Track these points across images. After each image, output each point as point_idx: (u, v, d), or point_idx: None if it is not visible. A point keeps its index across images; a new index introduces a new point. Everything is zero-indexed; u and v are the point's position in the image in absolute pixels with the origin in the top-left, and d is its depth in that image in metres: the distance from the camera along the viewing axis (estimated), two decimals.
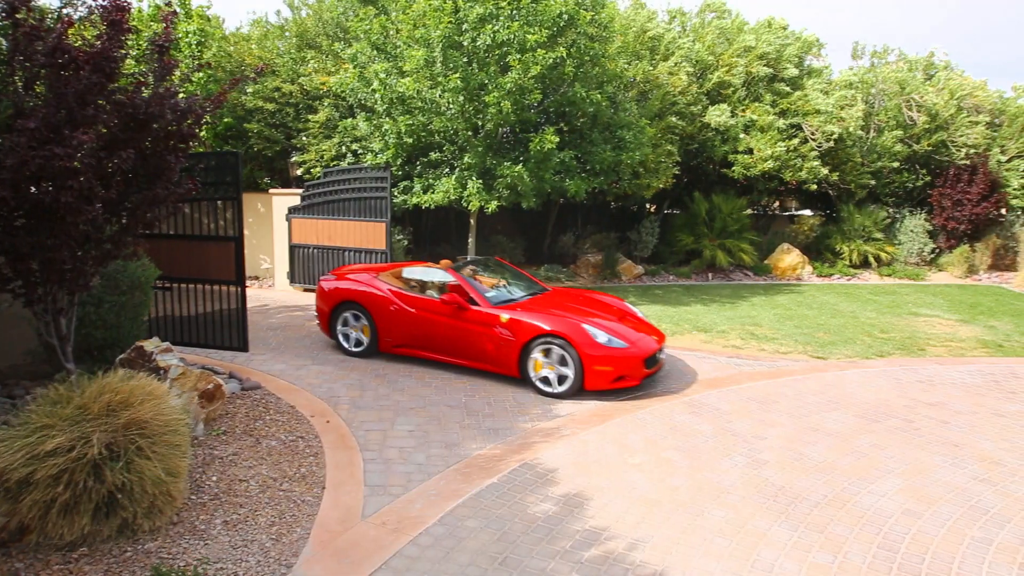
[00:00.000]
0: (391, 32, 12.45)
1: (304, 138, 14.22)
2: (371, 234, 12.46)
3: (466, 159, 12.04)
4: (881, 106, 18.02)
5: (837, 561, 4.33)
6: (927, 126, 17.96)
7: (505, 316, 7.69)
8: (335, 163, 13.72)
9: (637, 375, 7.41)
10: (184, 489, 4.74)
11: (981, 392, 7.89)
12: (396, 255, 12.79)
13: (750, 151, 15.94)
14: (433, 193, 12.23)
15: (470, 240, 14.10)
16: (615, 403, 7.21)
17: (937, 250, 18.37)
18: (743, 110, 16.20)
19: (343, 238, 12.68)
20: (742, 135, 15.97)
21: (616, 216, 18.50)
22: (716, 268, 16.73)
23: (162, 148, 5.60)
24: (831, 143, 16.13)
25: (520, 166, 11.72)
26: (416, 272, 8.78)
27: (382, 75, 11.87)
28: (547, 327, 7.42)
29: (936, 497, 5.23)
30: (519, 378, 7.67)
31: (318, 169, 13.74)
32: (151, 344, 6.21)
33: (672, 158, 15.18)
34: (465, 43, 11.45)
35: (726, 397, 7.46)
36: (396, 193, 12.64)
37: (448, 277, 8.33)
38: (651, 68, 15.42)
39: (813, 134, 16.21)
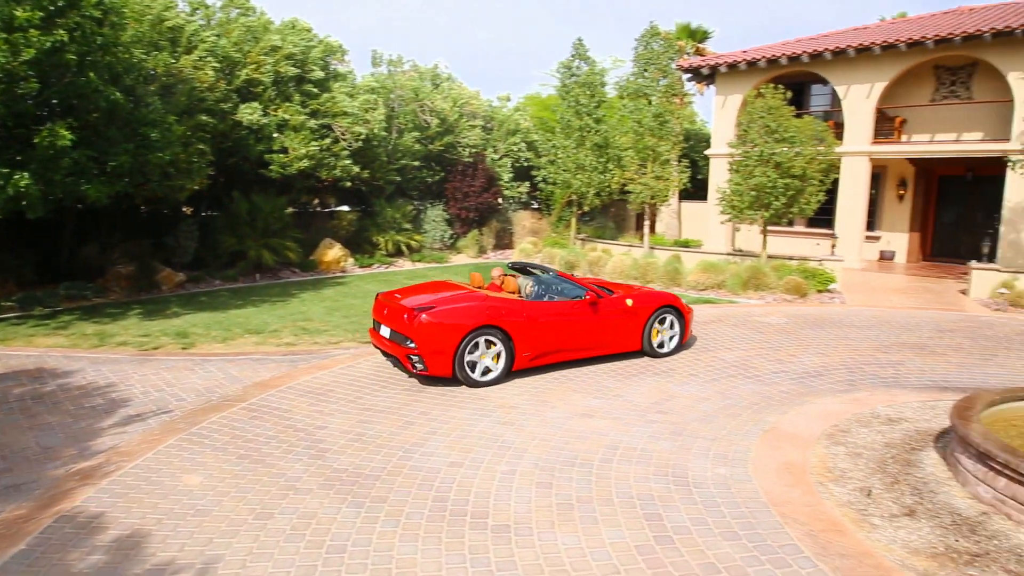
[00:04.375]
0: None
1: None
2: None
3: None
4: (400, 110, 19.97)
5: (401, 523, 4.80)
6: (439, 129, 20.53)
7: (629, 301, 9.05)
8: None
9: None
10: None
11: None
12: None
13: (285, 150, 16.13)
14: None
15: None
16: (169, 422, 6.68)
17: (455, 235, 21.25)
18: (275, 109, 16.26)
19: None
20: (276, 134, 16.05)
21: (149, 221, 16.88)
22: (264, 268, 16.57)
23: None
24: (360, 143, 17.29)
25: (24, 174, 9.83)
26: (531, 277, 9.27)
27: None
28: (663, 301, 9.29)
29: (472, 445, 6.15)
30: (640, 351, 9.21)
31: None
32: None
33: (205, 157, 14.47)
34: None
35: (285, 395, 7.53)
36: None
37: (547, 278, 9.19)
38: (174, 61, 14.39)
39: (343, 134, 17.14)
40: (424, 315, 7.59)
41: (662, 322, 9.27)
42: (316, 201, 21.28)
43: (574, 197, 20.65)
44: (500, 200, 22.68)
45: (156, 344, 9.81)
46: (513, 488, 5.34)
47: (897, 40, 17.62)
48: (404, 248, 19.66)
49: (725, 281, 14.77)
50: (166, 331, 10.51)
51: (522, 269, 9.59)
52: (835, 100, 20.06)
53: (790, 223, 20.26)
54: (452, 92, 22.04)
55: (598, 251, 19.25)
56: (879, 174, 20.58)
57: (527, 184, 23.73)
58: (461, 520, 4.84)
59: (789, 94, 15.96)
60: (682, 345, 9.52)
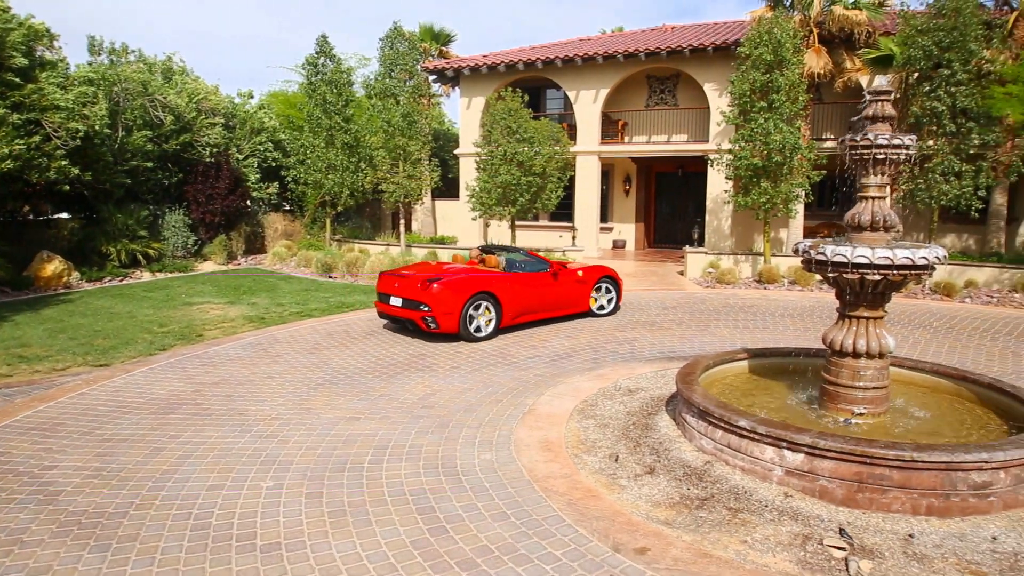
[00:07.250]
0: None
1: None
2: None
3: None
4: (127, 105, 18.00)
5: (157, 560, 4.40)
6: (174, 126, 18.85)
7: (580, 272, 11.39)
8: None
9: None
10: None
11: (254, 361, 9.03)
12: None
13: None
14: None
15: None
16: None
17: (200, 242, 19.71)
18: None
19: None
20: None
21: None
22: None
23: None
24: (78, 141, 15.31)
25: None
26: (505, 255, 10.97)
27: None
28: (604, 272, 11.78)
29: (233, 464, 5.81)
30: (587, 311, 11.70)
31: None
32: None
33: None
34: None
35: (0, 436, 6.51)
36: None
37: (513, 255, 11.22)
38: None
39: (56, 131, 15.05)
40: (436, 284, 9.66)
41: (601, 289, 11.81)
42: (27, 208, 18.40)
43: (328, 198, 20.19)
44: (248, 203, 21.44)
45: None
46: (281, 503, 5.15)
47: (616, 51, 19.66)
48: (141, 258, 17.75)
49: None
50: None
51: (488, 250, 11.34)
52: (568, 104, 21.83)
53: (535, 218, 21.74)
54: (188, 86, 20.31)
55: (355, 251, 19.05)
56: (608, 171, 22.83)
57: (277, 185, 22.69)
58: (226, 545, 4.57)
59: (527, 97, 17.09)
60: (617, 307, 12.09)
